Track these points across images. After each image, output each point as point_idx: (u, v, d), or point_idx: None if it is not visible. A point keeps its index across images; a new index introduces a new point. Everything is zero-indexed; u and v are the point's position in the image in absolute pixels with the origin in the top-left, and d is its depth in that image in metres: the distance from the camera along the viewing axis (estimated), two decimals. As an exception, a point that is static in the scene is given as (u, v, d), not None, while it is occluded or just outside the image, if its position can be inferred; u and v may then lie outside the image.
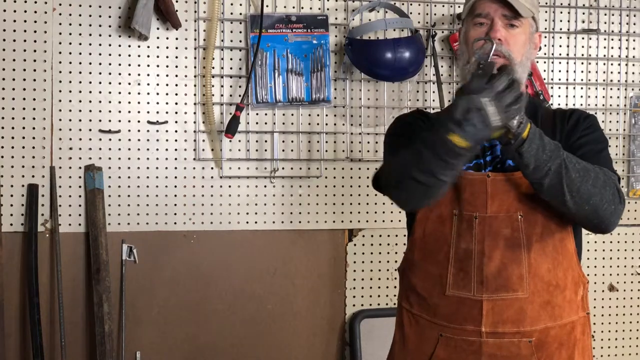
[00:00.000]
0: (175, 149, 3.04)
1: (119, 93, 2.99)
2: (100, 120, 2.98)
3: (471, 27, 1.87)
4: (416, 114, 2.05)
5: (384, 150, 2.01)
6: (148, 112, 3.02)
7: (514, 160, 1.72)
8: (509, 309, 1.82)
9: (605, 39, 3.38)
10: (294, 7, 3.10)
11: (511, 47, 1.83)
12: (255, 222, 3.11)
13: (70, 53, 2.95)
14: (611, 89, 3.40)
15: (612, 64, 3.39)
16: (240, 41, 3.08)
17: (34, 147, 2.93)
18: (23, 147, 2.92)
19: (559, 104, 3.32)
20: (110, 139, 2.98)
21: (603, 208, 1.74)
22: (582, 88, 3.37)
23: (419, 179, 1.71)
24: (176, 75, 3.03)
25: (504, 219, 1.82)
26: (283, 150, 3.12)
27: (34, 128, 2.93)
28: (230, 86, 3.07)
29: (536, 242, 1.82)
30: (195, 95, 3.05)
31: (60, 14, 2.94)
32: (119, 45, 2.99)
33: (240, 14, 3.07)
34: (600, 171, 1.77)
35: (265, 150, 3.11)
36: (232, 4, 3.06)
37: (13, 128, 2.91)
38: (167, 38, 3.02)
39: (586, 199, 1.72)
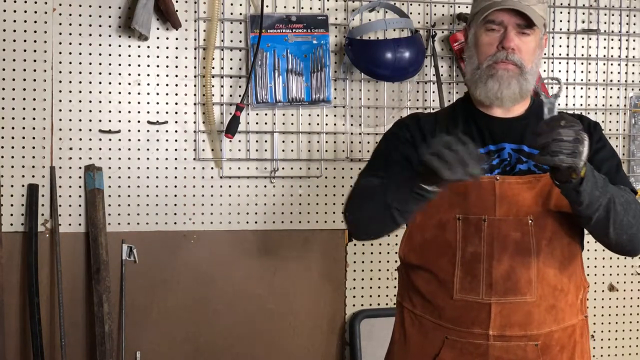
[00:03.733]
0: (175, 149, 3.04)
1: (119, 93, 2.99)
2: (100, 120, 2.98)
3: (483, 32, 1.86)
4: (409, 121, 2.01)
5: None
6: (148, 112, 3.02)
7: (568, 197, 1.72)
8: (517, 312, 1.82)
9: (605, 39, 3.38)
10: (294, 7, 3.10)
11: (523, 55, 1.84)
12: (255, 222, 3.11)
13: (70, 53, 2.95)
14: (611, 89, 3.40)
15: (612, 64, 3.39)
16: (240, 41, 3.08)
17: (34, 147, 2.93)
18: (23, 147, 2.92)
19: (559, 104, 3.31)
20: (110, 139, 2.98)
21: (637, 236, 1.81)
22: (582, 88, 3.37)
23: (375, 213, 1.80)
24: (176, 75, 3.03)
25: (513, 223, 1.82)
26: (283, 150, 3.12)
27: (34, 128, 2.93)
28: (230, 86, 3.07)
29: (545, 247, 1.83)
30: (195, 95, 3.05)
31: (60, 14, 2.94)
32: (119, 45, 2.99)
33: (240, 14, 3.07)
34: (635, 201, 1.82)
35: (265, 150, 3.11)
36: (232, 4, 3.06)
37: (13, 128, 2.91)
38: (167, 38, 3.02)
39: (626, 230, 1.77)
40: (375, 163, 1.97)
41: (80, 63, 2.96)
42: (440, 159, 1.60)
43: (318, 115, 3.13)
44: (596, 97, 3.38)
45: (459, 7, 3.22)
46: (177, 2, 2.99)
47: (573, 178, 1.65)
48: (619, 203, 1.75)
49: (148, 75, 3.01)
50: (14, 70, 2.91)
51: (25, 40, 2.91)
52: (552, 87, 3.32)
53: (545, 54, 3.30)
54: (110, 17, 2.97)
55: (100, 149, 2.98)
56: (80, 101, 2.96)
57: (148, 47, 3.01)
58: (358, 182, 1.94)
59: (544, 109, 1.75)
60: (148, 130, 3.02)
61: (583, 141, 1.61)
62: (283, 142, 3.12)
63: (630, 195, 1.83)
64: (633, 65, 3.42)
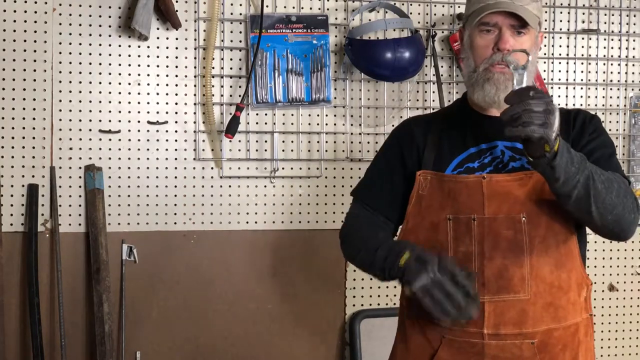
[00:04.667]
0: (175, 149, 3.04)
1: (119, 93, 2.99)
2: (100, 120, 2.98)
3: (477, 34, 1.86)
4: (401, 130, 2.05)
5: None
6: (148, 112, 3.02)
7: (544, 174, 1.69)
8: (511, 310, 1.81)
9: (605, 39, 3.38)
10: (294, 7, 3.10)
11: (519, 56, 1.84)
12: (255, 222, 3.11)
13: (70, 53, 2.95)
14: (611, 89, 3.40)
15: (612, 64, 3.39)
16: (240, 41, 3.08)
17: (34, 147, 2.93)
18: (23, 147, 2.92)
19: (559, 104, 3.31)
20: (110, 139, 2.98)
21: (624, 217, 1.76)
22: (582, 88, 3.37)
23: (364, 266, 1.94)
24: (176, 75, 3.03)
25: (505, 221, 1.82)
26: (283, 150, 3.12)
27: (34, 128, 2.93)
28: (230, 86, 3.07)
29: (539, 244, 1.82)
30: (195, 95, 3.05)
31: (60, 14, 2.94)
32: (119, 45, 2.99)
33: (240, 14, 3.07)
34: (620, 180, 1.78)
35: (265, 150, 3.11)
36: (232, 4, 3.06)
37: (13, 128, 2.91)
38: (167, 38, 3.02)
39: (610, 209, 1.73)
40: (367, 179, 2.05)
41: (80, 63, 2.96)
42: (433, 300, 1.69)
43: (318, 115, 3.13)
44: (596, 97, 3.38)
45: (459, 7, 3.22)
46: (177, 2, 2.99)
47: (546, 151, 1.61)
48: (599, 181, 1.70)
49: (148, 75, 3.01)
50: (14, 70, 2.91)
51: (25, 40, 2.91)
52: (551, 88, 3.33)
53: (545, 54, 3.31)
54: (110, 17, 2.97)
55: (100, 149, 2.98)
56: (80, 101, 2.96)
57: (148, 47, 3.01)
58: (351, 211, 2.06)
59: (512, 81, 1.71)
60: (148, 130, 3.02)
61: (554, 112, 1.58)
62: (283, 142, 3.12)
63: (614, 175, 1.77)
64: (633, 65, 3.42)
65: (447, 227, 1.85)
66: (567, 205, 1.74)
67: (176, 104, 3.04)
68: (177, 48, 3.03)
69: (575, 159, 1.67)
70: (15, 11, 2.90)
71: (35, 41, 2.92)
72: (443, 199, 1.85)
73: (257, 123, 3.09)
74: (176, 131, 3.04)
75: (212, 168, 3.07)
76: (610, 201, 1.72)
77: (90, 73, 2.97)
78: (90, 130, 2.97)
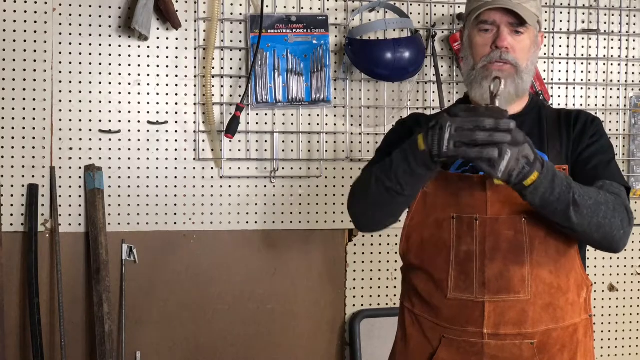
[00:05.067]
0: (175, 149, 3.04)
1: (119, 93, 2.99)
2: (100, 120, 2.98)
3: (476, 33, 1.87)
4: (408, 120, 2.05)
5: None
6: (148, 112, 3.02)
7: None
8: (511, 310, 1.82)
9: (605, 39, 3.38)
10: (294, 8, 3.10)
11: (517, 54, 1.84)
12: (255, 222, 3.11)
13: (70, 53, 2.95)
14: (611, 89, 3.40)
15: (612, 64, 3.39)
16: (240, 41, 3.08)
17: (34, 147, 2.93)
18: (23, 147, 2.92)
19: (559, 104, 3.32)
20: (110, 139, 2.98)
21: (612, 234, 1.76)
22: (582, 88, 3.37)
23: (376, 189, 1.79)
24: (176, 76, 3.04)
25: (506, 221, 1.82)
26: (283, 150, 3.12)
27: (34, 128, 2.93)
28: (230, 86, 3.07)
29: (539, 245, 1.82)
30: (195, 95, 3.05)
31: (60, 14, 2.94)
32: (119, 46, 2.99)
33: (240, 14, 3.07)
34: (610, 198, 1.76)
35: (265, 150, 3.11)
36: (232, 4, 3.06)
37: (13, 128, 2.91)
38: (167, 38, 3.02)
39: (595, 230, 1.74)
40: (375, 159, 2.00)
41: (80, 63, 2.96)
42: (469, 142, 1.58)
43: (318, 115, 3.13)
44: (596, 97, 3.38)
45: (459, 7, 3.22)
46: (177, 2, 2.99)
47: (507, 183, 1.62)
48: (584, 206, 1.69)
49: (148, 75, 3.02)
50: (14, 70, 2.91)
51: (25, 40, 2.91)
52: (551, 88, 3.32)
53: (545, 54, 3.31)
54: (110, 17, 2.97)
55: (100, 149, 2.98)
56: (80, 101, 2.96)
57: (148, 47, 3.01)
58: (358, 177, 1.96)
59: (488, 92, 1.70)
60: (148, 130, 3.02)
61: (504, 154, 1.57)
62: (283, 142, 3.12)
63: (605, 196, 1.76)
64: (633, 65, 3.42)
65: (451, 226, 1.85)
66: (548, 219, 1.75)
67: (176, 104, 3.04)
68: (177, 48, 3.03)
69: (558, 189, 1.66)
70: (15, 11, 2.90)
71: (35, 41, 2.92)
72: (448, 197, 1.86)
73: (257, 123, 3.09)
74: (176, 131, 3.04)
75: (212, 168, 3.07)
76: (595, 222, 1.72)
77: (90, 73, 2.97)
78: (90, 130, 2.97)
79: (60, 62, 2.94)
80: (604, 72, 3.39)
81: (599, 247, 1.82)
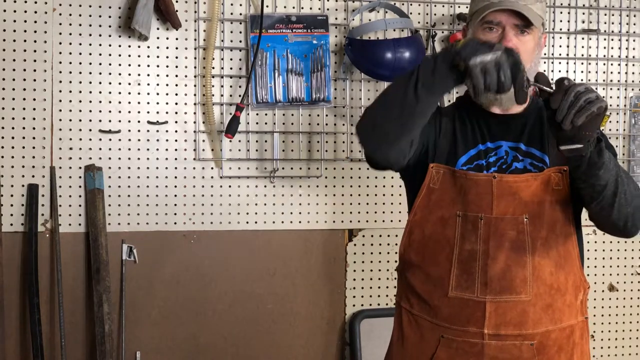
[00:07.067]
0: (175, 149, 3.04)
1: (119, 93, 2.99)
2: (100, 120, 2.98)
3: (481, 33, 1.86)
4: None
5: None
6: (148, 112, 3.02)
7: (590, 161, 1.68)
8: (512, 311, 1.82)
9: (605, 39, 3.38)
10: (294, 7, 3.10)
11: (522, 56, 1.83)
12: (255, 222, 3.11)
13: (70, 53, 2.95)
14: (611, 89, 3.40)
15: (612, 64, 3.39)
16: (240, 41, 3.08)
17: (34, 147, 2.93)
18: (23, 147, 2.92)
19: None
20: (110, 139, 2.98)
21: (637, 214, 1.78)
22: (582, 88, 3.36)
23: (393, 90, 1.76)
24: (176, 75, 3.03)
25: (510, 221, 1.82)
26: (283, 150, 3.12)
27: (34, 128, 2.93)
28: (230, 86, 3.07)
29: (541, 246, 1.83)
30: (195, 95, 3.05)
31: (60, 14, 2.94)
32: (119, 45, 2.99)
33: (240, 14, 3.07)
34: (631, 180, 1.80)
35: (266, 150, 3.11)
36: (232, 4, 3.06)
37: (13, 128, 2.91)
38: (167, 38, 3.02)
39: (629, 201, 1.75)
40: None
41: (80, 63, 2.96)
42: (485, 78, 1.61)
43: (318, 115, 3.13)
44: (596, 97, 3.38)
45: (459, 7, 3.22)
46: (177, 2, 2.99)
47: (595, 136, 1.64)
48: (623, 172, 1.76)
49: (148, 75, 3.01)
50: (14, 70, 2.91)
51: (25, 40, 2.91)
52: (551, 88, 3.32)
53: (545, 54, 3.31)
54: (110, 17, 2.97)
55: (100, 149, 2.98)
56: (80, 101, 2.96)
57: (148, 47, 3.01)
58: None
59: (542, 86, 1.72)
60: (148, 130, 3.02)
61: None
62: (283, 142, 3.12)
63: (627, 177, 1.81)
64: (633, 65, 3.42)
65: (456, 223, 1.85)
66: (594, 200, 1.74)
67: (176, 104, 3.04)
68: (177, 48, 3.03)
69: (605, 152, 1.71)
70: (15, 11, 2.90)
71: (35, 41, 2.92)
72: (454, 195, 1.86)
73: (257, 123, 3.09)
74: (176, 131, 3.04)
75: (212, 168, 3.07)
76: (629, 193, 1.75)
77: (90, 73, 2.97)
78: (90, 130, 2.97)
79: (60, 62, 2.94)
80: (604, 72, 3.39)
81: (621, 226, 1.80)
